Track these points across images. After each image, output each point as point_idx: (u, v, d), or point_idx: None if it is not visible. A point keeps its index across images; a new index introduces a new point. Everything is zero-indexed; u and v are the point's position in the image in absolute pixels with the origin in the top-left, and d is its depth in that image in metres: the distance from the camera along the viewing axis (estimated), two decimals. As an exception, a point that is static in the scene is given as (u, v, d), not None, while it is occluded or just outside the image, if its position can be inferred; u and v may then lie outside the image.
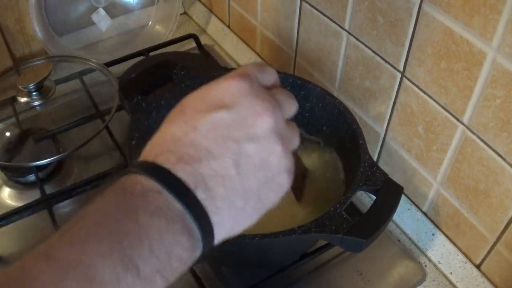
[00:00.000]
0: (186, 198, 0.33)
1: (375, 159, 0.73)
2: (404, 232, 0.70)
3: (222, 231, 0.36)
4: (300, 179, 0.63)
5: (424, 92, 0.60)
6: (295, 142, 0.40)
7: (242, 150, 0.35)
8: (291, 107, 0.40)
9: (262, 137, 0.36)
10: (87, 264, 0.30)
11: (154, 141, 0.36)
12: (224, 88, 0.37)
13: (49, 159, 0.70)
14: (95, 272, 0.29)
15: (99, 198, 0.33)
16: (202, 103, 0.36)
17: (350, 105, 0.73)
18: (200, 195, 0.34)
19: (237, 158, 0.35)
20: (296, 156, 0.61)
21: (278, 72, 0.67)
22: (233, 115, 0.35)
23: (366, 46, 0.66)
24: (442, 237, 0.66)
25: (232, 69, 0.70)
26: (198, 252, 0.35)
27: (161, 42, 0.92)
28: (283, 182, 0.38)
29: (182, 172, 0.34)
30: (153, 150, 0.35)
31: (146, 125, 0.61)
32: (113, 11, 0.93)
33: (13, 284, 0.29)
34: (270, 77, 0.40)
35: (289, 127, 0.39)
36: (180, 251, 0.33)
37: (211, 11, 1.03)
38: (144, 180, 0.33)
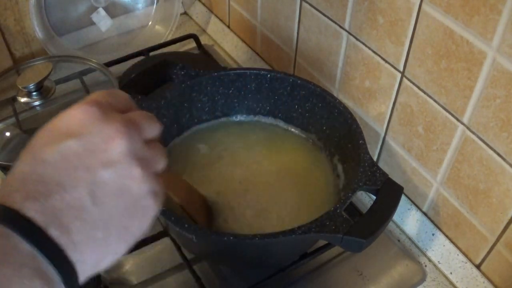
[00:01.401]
0: (36, 238, 0.31)
1: (375, 159, 0.73)
2: (404, 232, 0.70)
3: (86, 267, 0.33)
4: (198, 207, 0.60)
5: (424, 92, 0.60)
6: (160, 162, 0.38)
7: (96, 178, 0.33)
8: (152, 127, 0.38)
9: (117, 162, 0.34)
10: None
11: (4, 184, 0.33)
12: (70, 117, 0.35)
13: (49, 159, 0.70)
14: None
15: None
16: (50, 136, 0.34)
17: (350, 105, 0.73)
18: (53, 232, 0.31)
19: (91, 187, 0.33)
20: (188, 185, 0.58)
21: (278, 72, 0.68)
22: (82, 142, 0.33)
23: (366, 46, 0.66)
24: (442, 237, 0.66)
25: (232, 69, 0.70)
26: None
27: (161, 42, 0.92)
28: (148, 205, 0.36)
29: (31, 211, 0.31)
30: (1, 193, 0.32)
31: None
32: (113, 11, 0.93)
33: None
34: (121, 100, 0.38)
35: (150, 148, 0.37)
36: None
37: (211, 11, 1.03)
38: None
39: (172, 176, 0.55)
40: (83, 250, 0.33)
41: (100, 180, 0.33)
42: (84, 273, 0.33)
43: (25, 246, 0.30)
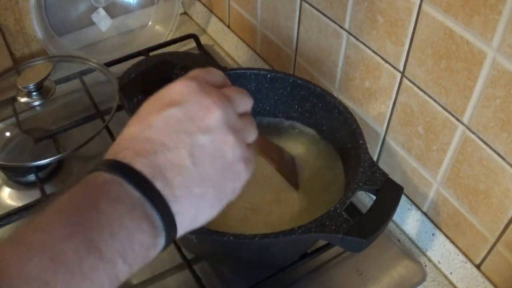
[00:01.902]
0: (144, 187, 0.35)
1: (375, 159, 0.73)
2: (404, 232, 0.70)
3: (184, 220, 0.38)
4: (290, 167, 0.64)
5: (424, 92, 0.60)
6: (251, 133, 0.42)
7: (195, 141, 0.38)
8: (244, 101, 0.42)
9: (214, 128, 0.38)
10: (51, 247, 0.32)
11: (114, 143, 0.39)
12: (172, 90, 0.39)
13: (49, 159, 0.70)
14: (58, 254, 0.31)
15: (64, 193, 0.35)
16: (154, 105, 0.39)
17: (350, 105, 0.73)
18: (159, 184, 0.36)
19: (191, 149, 0.37)
20: (278, 148, 0.62)
21: (278, 72, 0.68)
22: (183, 110, 0.38)
23: (366, 46, 0.66)
24: (442, 237, 0.66)
25: (232, 69, 0.70)
26: (161, 240, 0.36)
27: (161, 42, 0.92)
28: (240, 170, 0.40)
29: (140, 165, 0.36)
30: (113, 150, 0.38)
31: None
32: (113, 11, 0.93)
33: None
34: (217, 77, 0.42)
35: (242, 120, 0.41)
36: (141, 237, 0.35)
37: (211, 11, 1.03)
38: (105, 174, 0.35)
39: (264, 141, 0.58)
40: (183, 203, 0.37)
41: (199, 143, 0.38)
42: (182, 225, 0.37)
43: (135, 193, 0.35)
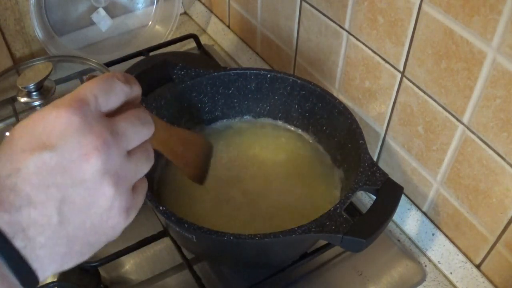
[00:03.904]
0: (3, 247, 0.32)
1: (375, 159, 0.73)
2: (404, 232, 0.70)
3: (46, 273, 0.35)
4: (200, 160, 0.55)
5: (424, 92, 0.60)
6: (142, 170, 0.38)
7: (66, 196, 0.33)
8: (142, 132, 0.37)
9: (89, 180, 0.34)
10: None
11: None
12: (51, 122, 0.33)
13: (49, 159, 0.70)
14: None
15: None
16: (29, 140, 0.34)
17: (350, 105, 0.73)
18: (19, 243, 0.32)
19: (59, 206, 0.33)
20: (195, 137, 0.54)
21: (278, 72, 0.68)
22: (57, 157, 0.33)
23: (366, 46, 0.66)
24: (442, 237, 0.66)
25: (232, 69, 0.70)
26: None
27: (161, 42, 0.92)
28: (116, 223, 0.36)
29: (1, 221, 0.32)
30: None
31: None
32: (113, 11, 0.93)
33: None
34: (118, 96, 0.36)
35: (131, 160, 0.36)
36: None
37: (211, 11, 1.03)
38: None
39: (162, 133, 0.47)
40: (45, 261, 0.34)
41: (69, 198, 0.34)
42: (43, 277, 0.34)
43: None
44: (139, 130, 0.37)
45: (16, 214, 0.32)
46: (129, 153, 0.36)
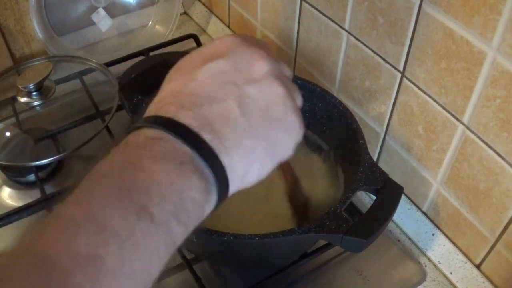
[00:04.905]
0: (191, 140, 0.33)
1: (375, 159, 0.73)
2: (404, 232, 0.70)
3: (235, 176, 0.35)
4: (301, 201, 0.62)
5: (424, 92, 0.60)
6: (299, 97, 0.40)
7: (244, 92, 0.36)
8: (287, 69, 0.40)
9: (262, 80, 0.36)
10: (97, 218, 0.29)
11: (155, 100, 0.37)
12: (217, 44, 0.37)
13: (49, 159, 0.70)
14: (106, 224, 0.29)
15: (103, 157, 0.33)
16: (198, 59, 0.37)
17: (350, 105, 0.73)
18: (206, 136, 0.33)
19: (239, 100, 0.35)
20: (296, 177, 0.61)
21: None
22: (230, 62, 0.36)
23: (366, 46, 0.66)
24: (442, 237, 0.66)
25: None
26: (213, 196, 0.34)
27: (161, 42, 0.92)
28: (293, 123, 0.38)
29: (185, 117, 0.33)
30: (153, 107, 0.35)
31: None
32: (113, 11, 0.93)
33: (27, 249, 0.28)
34: (263, 45, 0.40)
35: (289, 80, 0.39)
36: (193, 194, 0.32)
37: (211, 11, 1.03)
38: (147, 131, 0.33)
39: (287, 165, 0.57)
40: (233, 155, 0.34)
41: (247, 94, 0.36)
42: (233, 181, 0.35)
43: (183, 148, 0.33)
44: (286, 66, 0.40)
45: (200, 110, 0.34)
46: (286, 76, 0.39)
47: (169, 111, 0.34)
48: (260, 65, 0.36)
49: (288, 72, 0.40)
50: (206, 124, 0.34)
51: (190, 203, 0.32)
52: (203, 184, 0.33)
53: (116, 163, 0.32)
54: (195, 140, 0.33)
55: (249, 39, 0.38)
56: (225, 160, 0.34)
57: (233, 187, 0.35)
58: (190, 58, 0.38)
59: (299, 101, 0.40)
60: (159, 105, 0.35)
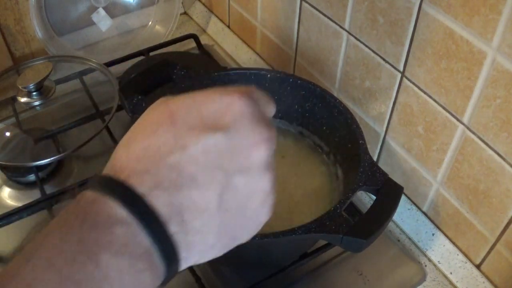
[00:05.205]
0: (157, 232, 0.30)
1: (375, 159, 0.73)
2: (404, 232, 0.70)
3: (186, 264, 0.32)
4: None
5: (424, 92, 0.60)
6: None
7: (230, 182, 0.31)
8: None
9: (254, 170, 0.32)
10: None
11: (133, 151, 0.31)
12: (225, 104, 0.32)
13: (49, 159, 0.70)
14: None
15: (54, 228, 0.29)
16: (197, 118, 0.31)
17: (350, 105, 0.73)
18: (173, 228, 0.30)
19: (222, 191, 0.31)
20: None
21: (278, 72, 0.68)
22: (229, 141, 0.31)
23: (366, 46, 0.66)
24: (442, 237, 0.66)
25: (232, 69, 0.70)
26: (158, 284, 0.32)
27: (161, 42, 0.92)
28: (263, 219, 0.34)
29: (158, 201, 0.30)
30: (129, 165, 0.30)
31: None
32: (113, 11, 0.93)
33: None
34: (271, 109, 0.36)
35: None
36: None
37: (211, 11, 1.03)
38: (110, 209, 0.29)
39: None
40: (192, 249, 0.32)
41: (233, 185, 0.32)
42: (181, 268, 0.32)
43: (144, 239, 0.29)
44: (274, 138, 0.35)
45: (177, 195, 0.30)
46: None
47: (144, 185, 0.30)
48: (259, 154, 0.32)
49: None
50: (178, 213, 0.30)
51: None
52: (152, 281, 0.30)
53: (68, 249, 0.28)
54: (161, 232, 0.30)
55: (259, 110, 0.33)
56: (183, 254, 0.31)
57: (180, 270, 0.33)
58: (189, 110, 0.32)
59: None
60: (135, 166, 0.30)
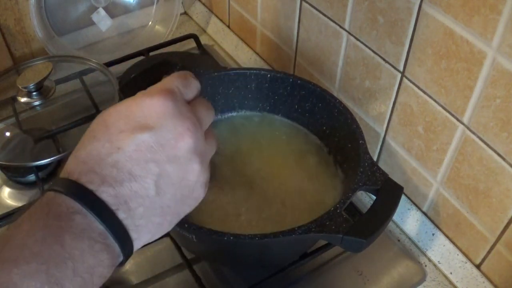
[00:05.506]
0: (108, 219, 0.36)
1: (375, 159, 0.73)
2: (404, 232, 0.70)
3: (140, 242, 0.39)
4: None
5: (424, 92, 0.60)
6: (213, 150, 0.43)
7: (163, 170, 0.38)
8: (209, 117, 0.43)
9: (183, 158, 0.38)
10: (16, 284, 0.32)
11: (79, 156, 0.38)
12: (147, 107, 0.38)
13: (49, 159, 0.70)
14: None
15: (25, 219, 0.35)
16: (126, 123, 0.38)
17: (350, 105, 0.73)
18: (121, 215, 0.36)
19: (157, 179, 0.38)
20: None
21: (278, 72, 0.68)
22: (156, 137, 0.37)
23: (366, 46, 0.66)
24: (442, 237, 0.66)
25: (232, 69, 0.70)
26: (117, 263, 0.38)
27: (161, 42, 0.92)
28: (199, 195, 0.41)
29: (105, 194, 0.36)
30: (78, 168, 0.37)
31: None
32: (113, 11, 0.93)
33: None
34: (194, 90, 0.42)
35: (207, 140, 0.41)
36: (101, 269, 0.36)
37: (211, 11, 1.03)
38: (69, 202, 0.35)
39: None
40: (142, 231, 0.38)
41: (166, 172, 0.38)
42: (137, 246, 0.39)
43: (98, 226, 0.35)
44: (209, 115, 0.43)
45: (120, 188, 0.36)
46: (205, 135, 0.41)
47: (92, 182, 0.36)
48: (184, 143, 0.38)
49: (207, 124, 0.42)
50: (123, 202, 0.36)
51: (97, 278, 0.36)
52: (111, 260, 0.36)
53: (38, 232, 0.34)
54: (111, 220, 0.36)
55: (180, 103, 0.39)
56: (134, 235, 0.38)
57: (136, 248, 0.39)
58: (118, 117, 0.38)
59: (213, 151, 0.43)
60: (83, 168, 0.37)
